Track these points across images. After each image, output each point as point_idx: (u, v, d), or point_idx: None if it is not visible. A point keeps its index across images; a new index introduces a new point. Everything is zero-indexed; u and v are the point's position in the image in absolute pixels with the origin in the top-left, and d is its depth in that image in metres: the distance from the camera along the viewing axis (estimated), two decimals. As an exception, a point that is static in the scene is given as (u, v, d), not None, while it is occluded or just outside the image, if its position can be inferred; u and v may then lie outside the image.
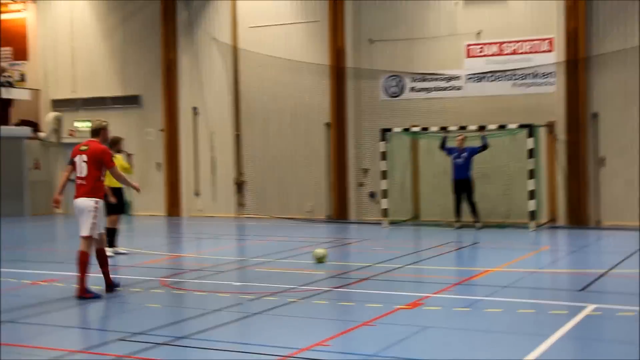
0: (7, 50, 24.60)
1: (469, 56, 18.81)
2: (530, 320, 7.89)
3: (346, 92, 19.90)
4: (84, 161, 9.34)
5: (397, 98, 19.57)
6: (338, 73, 19.85)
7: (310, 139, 20.50)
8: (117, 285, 9.72)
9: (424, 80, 19.26)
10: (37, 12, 24.27)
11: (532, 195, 16.89)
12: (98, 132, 9.69)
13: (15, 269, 11.60)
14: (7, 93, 23.10)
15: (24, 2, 24.47)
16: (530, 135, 16.84)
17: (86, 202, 9.26)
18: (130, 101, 23.04)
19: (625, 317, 7.85)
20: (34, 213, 23.43)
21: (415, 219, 18.95)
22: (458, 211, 17.48)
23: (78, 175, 9.40)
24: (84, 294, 9.17)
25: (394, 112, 19.52)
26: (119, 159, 13.63)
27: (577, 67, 17.50)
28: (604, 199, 17.57)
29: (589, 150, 17.64)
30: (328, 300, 9.07)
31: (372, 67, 19.75)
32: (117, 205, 13.36)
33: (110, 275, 9.69)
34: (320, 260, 11.94)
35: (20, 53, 24.66)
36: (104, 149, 9.48)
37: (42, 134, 23.86)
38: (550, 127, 17.89)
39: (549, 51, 18.03)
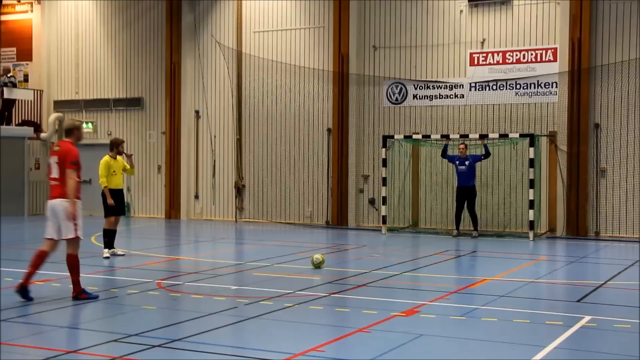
0: (10, 51, 24.67)
1: (472, 64, 18.83)
2: (526, 330, 7.87)
3: (349, 98, 19.92)
4: (56, 162, 9.15)
5: (399, 105, 19.58)
6: (341, 79, 19.87)
7: (312, 145, 20.52)
8: (27, 296, 9.09)
9: (427, 87, 19.28)
10: (42, 14, 24.33)
11: (531, 205, 16.88)
12: (71, 131, 9.38)
13: (11, 268, 11.59)
14: (10, 93, 23.14)
15: (30, 3, 24.54)
16: (532, 144, 16.85)
17: (62, 204, 9.05)
18: (132, 103, 23.09)
19: (621, 329, 7.84)
20: (33, 213, 23.46)
21: (414, 227, 18.95)
22: (458, 219, 17.50)
23: (52, 176, 9.23)
24: (81, 295, 9.17)
25: (396, 119, 19.55)
26: (120, 161, 13.66)
27: (580, 77, 17.51)
28: (603, 210, 17.54)
29: (590, 161, 17.63)
30: (324, 305, 9.06)
31: (375, 74, 19.78)
32: (115, 207, 13.38)
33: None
34: (318, 265, 11.94)
35: (25, 54, 24.72)
36: (68, 149, 9.13)
37: (43, 135, 23.90)
38: (552, 137, 17.89)
39: (553, 61, 18.04)
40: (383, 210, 18.33)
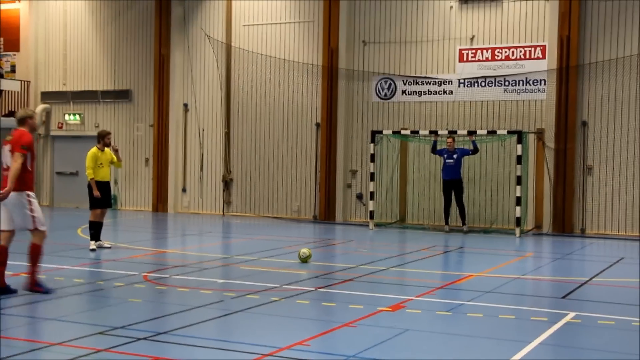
0: (-3, 41, 24.52)
1: (461, 60, 18.85)
2: (511, 326, 7.91)
3: (338, 92, 19.90)
4: (9, 150, 8.97)
5: (388, 100, 19.59)
6: (330, 73, 19.86)
7: (300, 139, 20.50)
8: (10, 291, 9.00)
9: (416, 83, 19.29)
10: (30, 4, 24.16)
11: (518, 201, 16.96)
12: (24, 120, 9.23)
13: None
14: (-3, 83, 22.99)
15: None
16: (519, 141, 16.90)
17: (17, 197, 8.81)
18: (120, 95, 22.98)
19: (605, 325, 7.89)
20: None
21: (401, 222, 18.99)
22: (447, 214, 17.57)
23: (4, 166, 9.05)
24: (35, 287, 9.01)
25: (385, 115, 19.57)
26: (107, 153, 13.61)
27: (569, 75, 17.57)
28: (589, 207, 17.64)
29: (577, 159, 17.71)
30: (310, 300, 9.06)
31: (365, 69, 19.78)
32: (101, 200, 13.32)
33: (5, 279, 9.04)
34: (304, 260, 11.95)
35: (12, 44, 24.54)
36: (22, 134, 8.96)
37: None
38: (540, 134, 17.96)
39: (541, 58, 18.09)
40: (371, 205, 18.35)
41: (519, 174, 16.96)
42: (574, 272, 12.36)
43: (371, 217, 18.29)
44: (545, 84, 18.00)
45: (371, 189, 18.34)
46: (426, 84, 19.18)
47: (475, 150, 17.36)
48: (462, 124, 18.62)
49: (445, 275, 11.74)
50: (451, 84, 18.88)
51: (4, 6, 24.50)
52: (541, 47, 18.12)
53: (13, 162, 8.86)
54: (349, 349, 6.76)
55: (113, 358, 6.37)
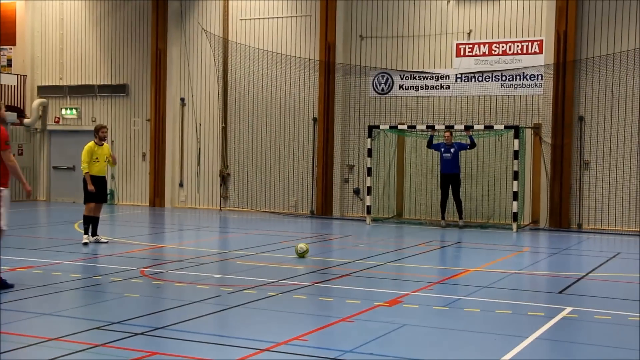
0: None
1: (458, 55, 18.84)
2: (508, 321, 7.92)
3: (335, 87, 19.89)
4: None
5: (385, 95, 19.58)
6: (327, 68, 19.83)
7: (297, 134, 20.49)
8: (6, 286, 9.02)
9: (413, 78, 19.28)
10: (27, -3, 24.11)
11: (515, 196, 16.97)
12: None
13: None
14: (-7, 78, 22.93)
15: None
16: (516, 136, 16.91)
17: None
18: (117, 90, 22.94)
19: (602, 320, 7.90)
20: (15, 199, 23.26)
21: (398, 217, 19.00)
22: (444, 208, 17.58)
23: None
24: None
25: (382, 109, 19.56)
26: (105, 148, 13.59)
27: (565, 70, 17.57)
28: (586, 202, 17.66)
29: (574, 154, 17.72)
30: (308, 295, 9.06)
31: (362, 64, 19.76)
32: (96, 194, 13.29)
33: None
34: (302, 255, 11.95)
35: (8, 38, 24.46)
36: None
37: (27, 120, 23.71)
38: (536, 129, 17.96)
39: (539, 53, 18.09)
40: (368, 200, 18.36)
41: (515, 169, 16.98)
42: (570, 267, 12.38)
43: (368, 212, 18.30)
44: (542, 79, 18.00)
45: (368, 184, 18.33)
46: (423, 79, 19.17)
47: (472, 145, 17.37)
48: (459, 119, 18.62)
49: (442, 270, 11.74)
50: (448, 78, 18.87)
51: (1, 0, 24.42)
52: (538, 42, 18.12)
53: (7, 161, 8.84)
54: (346, 344, 6.76)
55: (110, 353, 6.36)
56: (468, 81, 18.70)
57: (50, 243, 13.35)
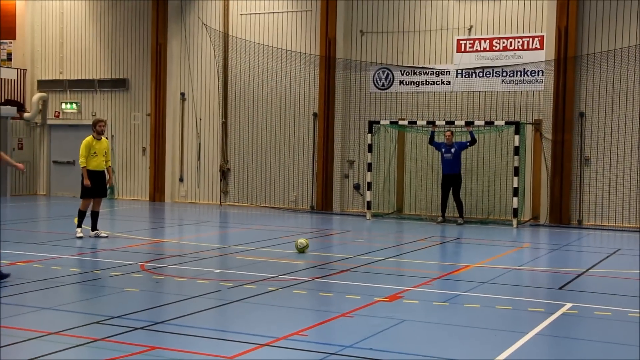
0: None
1: (459, 51, 18.81)
2: (508, 316, 7.92)
3: (335, 82, 19.86)
4: None
5: (385, 90, 19.56)
6: (328, 63, 19.80)
7: (297, 129, 20.47)
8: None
9: (414, 73, 19.25)
10: (27, -9, 24.06)
11: (515, 192, 16.97)
12: None
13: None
14: (-6, 72, 22.90)
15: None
16: (517, 132, 16.90)
17: None
18: (117, 84, 22.90)
19: (602, 316, 7.90)
20: (16, 194, 23.28)
21: (398, 213, 18.99)
22: (444, 207, 17.56)
23: None
24: None
25: (382, 105, 19.54)
26: (104, 143, 13.56)
27: (566, 65, 17.54)
28: (586, 198, 17.65)
29: (574, 150, 17.71)
30: (308, 290, 9.06)
31: (362, 59, 19.72)
32: (92, 189, 13.26)
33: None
34: (302, 250, 11.95)
35: (8, 32, 24.42)
36: None
37: (27, 114, 23.68)
38: (537, 125, 17.94)
39: (539, 49, 18.06)
40: (368, 195, 18.35)
41: (516, 165, 16.97)
42: (570, 263, 12.38)
43: (368, 208, 18.29)
44: (543, 75, 17.97)
45: (368, 180, 18.33)
46: (424, 74, 19.14)
47: (473, 141, 17.35)
48: (460, 115, 18.59)
49: (443, 266, 11.74)
50: (449, 74, 18.84)
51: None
52: (539, 38, 18.08)
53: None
54: (345, 339, 6.76)
55: (110, 347, 6.36)
56: (469, 77, 18.66)
57: (50, 237, 13.34)
